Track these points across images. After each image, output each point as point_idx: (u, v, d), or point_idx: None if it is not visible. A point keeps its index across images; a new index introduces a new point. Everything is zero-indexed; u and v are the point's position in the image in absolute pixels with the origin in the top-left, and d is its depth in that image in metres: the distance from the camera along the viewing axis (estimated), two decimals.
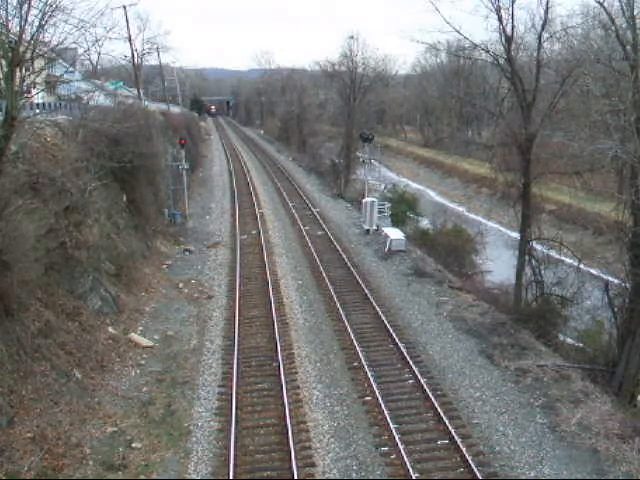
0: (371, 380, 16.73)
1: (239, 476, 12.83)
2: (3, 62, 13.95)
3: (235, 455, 13.38)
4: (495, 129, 33.56)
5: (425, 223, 41.82)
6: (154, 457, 13.57)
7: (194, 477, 13.02)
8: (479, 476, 12.64)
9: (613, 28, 21.00)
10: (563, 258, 27.26)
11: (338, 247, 30.86)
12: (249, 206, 42.80)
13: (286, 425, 14.47)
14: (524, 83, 25.12)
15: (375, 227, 34.74)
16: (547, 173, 25.79)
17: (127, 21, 45.73)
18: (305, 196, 46.45)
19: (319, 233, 34.43)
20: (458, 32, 25.75)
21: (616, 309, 20.69)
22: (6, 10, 13.96)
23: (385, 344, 19.46)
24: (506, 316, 22.06)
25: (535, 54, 25.45)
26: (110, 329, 19.27)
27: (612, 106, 19.43)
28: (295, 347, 19.22)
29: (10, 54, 13.85)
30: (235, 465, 13.04)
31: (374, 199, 36.20)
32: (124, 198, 27.35)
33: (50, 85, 30.68)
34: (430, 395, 15.88)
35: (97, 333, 18.38)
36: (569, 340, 24.07)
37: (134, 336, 19.67)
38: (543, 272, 25.27)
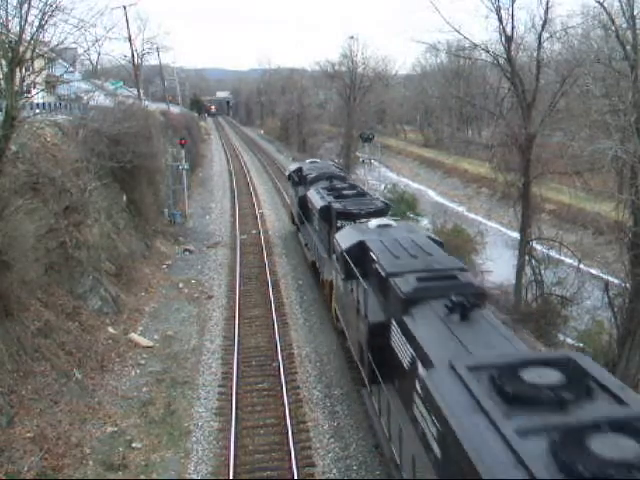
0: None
1: (239, 476, 12.83)
2: (3, 62, 13.96)
3: (235, 455, 13.38)
4: (495, 129, 33.59)
5: (425, 223, 41.85)
6: (154, 457, 13.57)
7: (194, 477, 13.03)
8: None
9: (613, 28, 21.06)
10: (563, 258, 27.31)
11: None
12: (249, 206, 42.79)
13: (286, 425, 14.48)
14: (524, 83, 25.17)
15: None
16: (547, 173, 25.85)
17: (127, 21, 45.66)
18: None
19: None
20: (458, 32, 25.91)
21: (616, 309, 20.72)
22: (6, 10, 14.02)
23: None
24: (506, 316, 22.07)
25: (535, 54, 25.50)
26: (110, 329, 19.27)
27: (612, 106, 19.48)
28: (295, 347, 19.21)
29: (10, 54, 13.87)
30: (235, 465, 13.05)
31: None
32: (124, 198, 27.35)
33: (50, 85, 30.69)
34: None
35: (97, 333, 18.38)
36: (569, 340, 24.08)
37: (134, 336, 19.67)
38: (543, 272, 25.32)
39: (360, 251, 14.70)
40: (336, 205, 20.35)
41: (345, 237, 16.23)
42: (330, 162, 38.74)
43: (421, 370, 9.42)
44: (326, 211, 21.07)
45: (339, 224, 19.07)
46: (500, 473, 5.60)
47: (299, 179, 30.22)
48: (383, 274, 12.47)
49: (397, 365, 11.08)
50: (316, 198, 23.15)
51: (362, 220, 18.21)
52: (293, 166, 34.30)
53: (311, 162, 34.25)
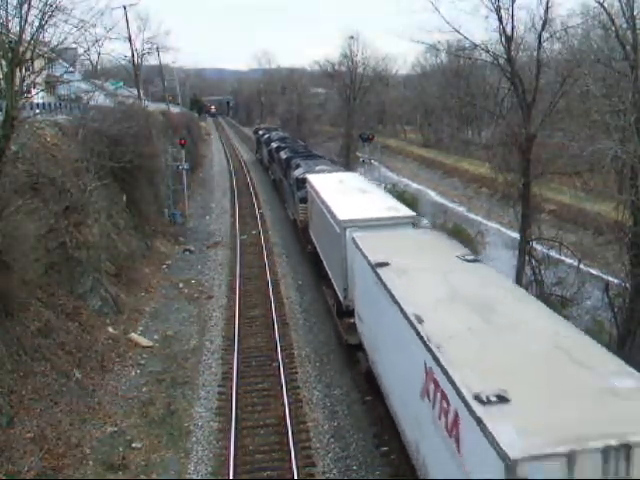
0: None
1: (239, 476, 12.83)
2: (3, 62, 13.97)
3: (235, 455, 13.38)
4: (495, 129, 33.58)
5: (425, 223, 41.76)
6: (154, 457, 13.58)
7: (194, 477, 13.03)
8: None
9: (613, 28, 21.03)
10: (563, 258, 27.27)
11: None
12: (249, 206, 42.80)
13: (286, 425, 14.47)
14: (524, 83, 25.10)
15: None
16: (547, 173, 25.77)
17: (127, 21, 45.53)
18: None
19: None
20: (458, 32, 25.76)
21: (616, 309, 20.68)
22: (6, 10, 14.03)
23: None
24: None
25: (535, 54, 25.44)
26: (110, 329, 19.27)
27: (612, 106, 19.46)
28: (295, 347, 19.21)
29: (10, 54, 13.87)
30: (235, 465, 13.05)
31: None
32: (124, 198, 27.34)
33: (50, 85, 30.71)
34: None
35: (97, 333, 18.38)
36: None
37: (134, 336, 19.67)
38: (543, 272, 25.23)
39: None
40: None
41: None
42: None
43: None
44: None
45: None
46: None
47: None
48: None
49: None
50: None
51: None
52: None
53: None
